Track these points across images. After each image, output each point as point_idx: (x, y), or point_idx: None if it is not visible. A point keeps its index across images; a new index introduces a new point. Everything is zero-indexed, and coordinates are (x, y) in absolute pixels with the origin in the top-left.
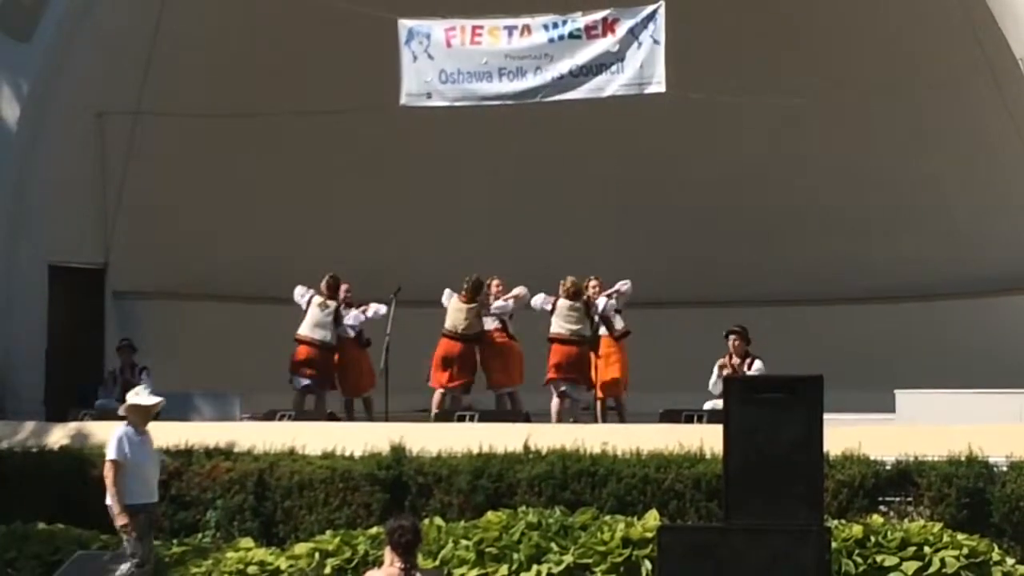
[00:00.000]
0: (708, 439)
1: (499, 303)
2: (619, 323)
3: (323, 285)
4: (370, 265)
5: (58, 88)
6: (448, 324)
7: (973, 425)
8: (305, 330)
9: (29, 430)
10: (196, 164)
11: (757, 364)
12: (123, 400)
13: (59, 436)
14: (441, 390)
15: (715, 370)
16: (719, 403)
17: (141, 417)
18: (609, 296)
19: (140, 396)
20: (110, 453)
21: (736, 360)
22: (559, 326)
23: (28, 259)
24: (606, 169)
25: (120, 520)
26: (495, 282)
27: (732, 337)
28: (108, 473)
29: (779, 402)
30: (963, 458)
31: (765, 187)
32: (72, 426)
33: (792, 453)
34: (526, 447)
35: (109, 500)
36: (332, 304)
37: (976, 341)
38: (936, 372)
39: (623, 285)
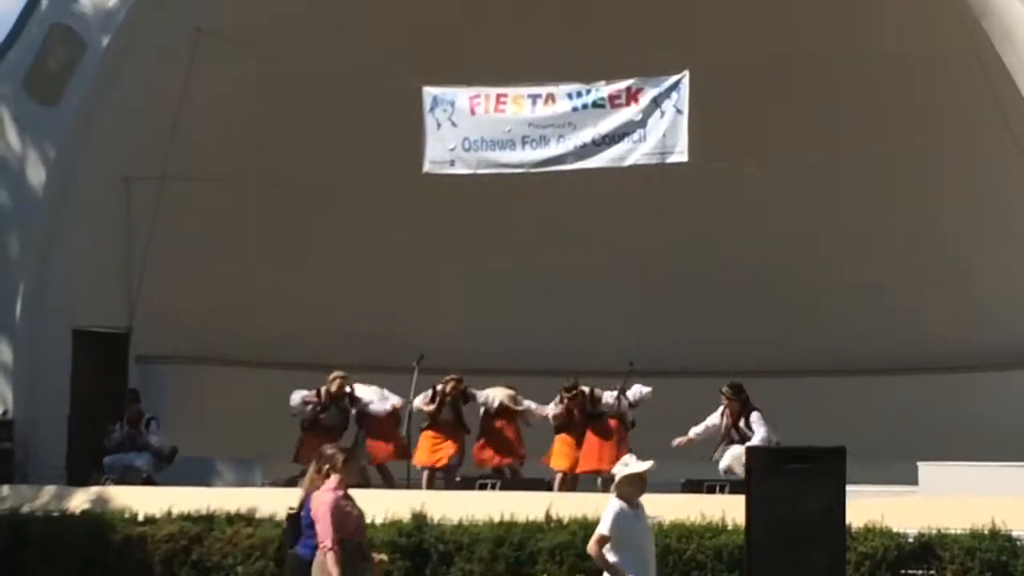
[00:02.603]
0: (730, 509)
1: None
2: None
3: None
4: (393, 333)
5: (85, 153)
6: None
7: (996, 498)
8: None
9: (51, 494)
10: (220, 230)
11: (754, 417)
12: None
13: (81, 500)
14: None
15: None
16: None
17: (636, 488)
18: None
19: (632, 465)
20: (602, 527)
21: (730, 419)
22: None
23: (53, 323)
24: (629, 238)
25: None
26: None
27: (724, 401)
28: (593, 547)
29: (802, 473)
30: (986, 531)
31: (787, 258)
32: (94, 490)
33: (814, 525)
34: (547, 516)
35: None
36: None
37: (998, 413)
38: (959, 444)
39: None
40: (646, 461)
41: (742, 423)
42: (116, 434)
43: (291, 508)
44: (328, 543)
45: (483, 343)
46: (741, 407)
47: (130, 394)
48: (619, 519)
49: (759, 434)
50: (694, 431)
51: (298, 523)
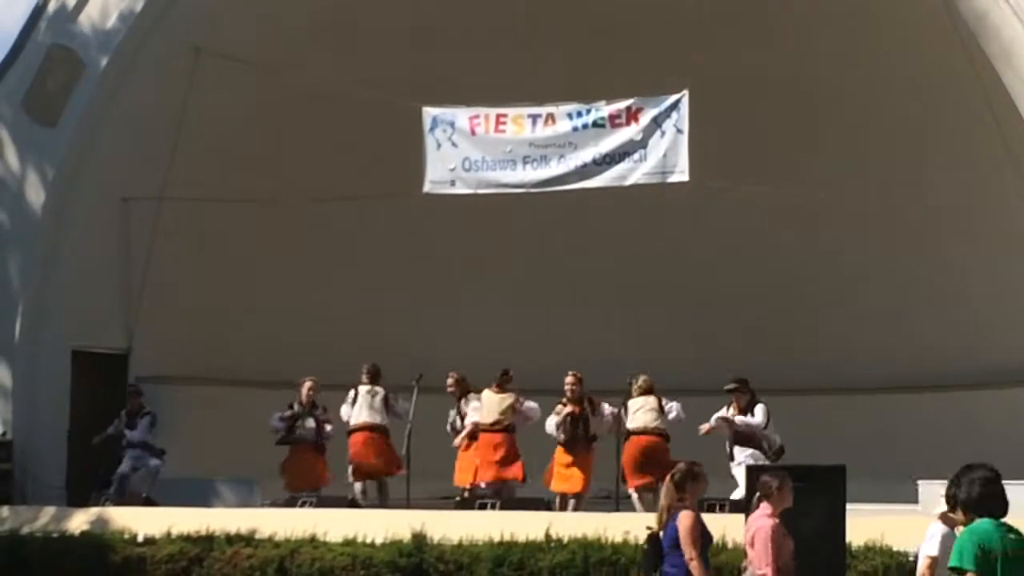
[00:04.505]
0: (731, 528)
1: (531, 405)
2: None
3: (364, 374)
4: (392, 351)
5: (83, 173)
6: (487, 419)
7: None
8: (362, 417)
9: (50, 515)
10: (220, 250)
11: (759, 408)
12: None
13: (80, 521)
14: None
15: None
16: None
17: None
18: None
19: None
20: (931, 550)
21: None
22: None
23: (51, 344)
24: (629, 257)
25: None
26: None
27: (733, 396)
28: (924, 571)
29: (802, 492)
30: None
31: (787, 277)
32: (93, 511)
33: (815, 543)
34: (547, 535)
35: None
36: (380, 390)
37: (998, 431)
38: (958, 462)
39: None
40: None
41: (749, 415)
42: (111, 427)
43: (649, 528)
44: (769, 571)
45: (483, 362)
46: (749, 399)
47: (132, 388)
48: (946, 542)
49: (758, 418)
50: (714, 417)
51: (659, 545)
